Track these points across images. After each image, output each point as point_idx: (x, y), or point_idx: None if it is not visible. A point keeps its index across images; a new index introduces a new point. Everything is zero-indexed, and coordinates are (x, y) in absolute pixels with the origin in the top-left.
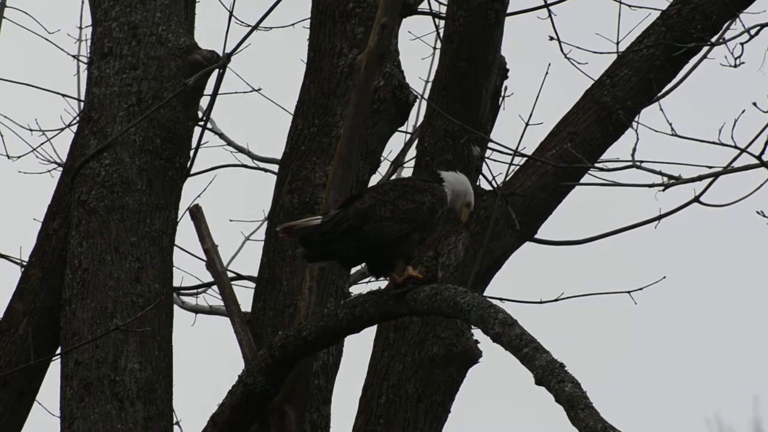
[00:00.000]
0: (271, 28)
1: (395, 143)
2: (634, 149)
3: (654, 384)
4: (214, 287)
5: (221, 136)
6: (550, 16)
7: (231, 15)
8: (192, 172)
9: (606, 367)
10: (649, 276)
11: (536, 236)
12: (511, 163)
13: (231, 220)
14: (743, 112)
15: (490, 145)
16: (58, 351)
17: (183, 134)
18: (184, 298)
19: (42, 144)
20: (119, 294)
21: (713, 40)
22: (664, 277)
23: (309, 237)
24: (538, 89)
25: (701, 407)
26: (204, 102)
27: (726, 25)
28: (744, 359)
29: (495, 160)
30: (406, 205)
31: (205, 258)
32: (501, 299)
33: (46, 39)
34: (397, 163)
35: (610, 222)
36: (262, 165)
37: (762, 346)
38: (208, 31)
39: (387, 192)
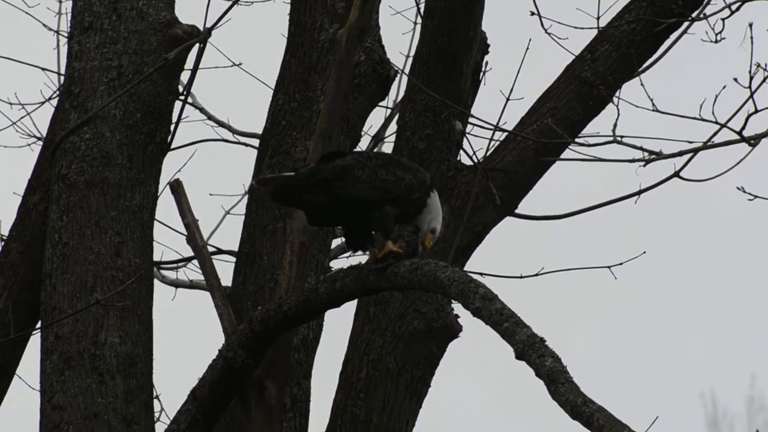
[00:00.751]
0: (252, 2)
1: (376, 118)
2: (615, 124)
3: (634, 358)
4: (195, 261)
5: (202, 110)
6: None
7: None
8: (172, 146)
9: (586, 341)
10: (629, 251)
11: (517, 211)
12: (491, 138)
13: (211, 195)
14: (724, 87)
15: (470, 120)
16: (38, 325)
17: (163, 109)
18: (165, 273)
19: (22, 118)
20: (99, 268)
21: (694, 15)
22: (644, 252)
23: (282, 186)
24: (518, 64)
25: (688, 382)
26: (185, 76)
27: (707, 0)
28: (729, 334)
29: (476, 135)
30: (385, 174)
31: (185, 232)
32: (481, 274)
33: (26, 12)
34: (378, 137)
35: (590, 197)
36: (242, 139)
37: (742, 320)
38: (189, 6)
39: (370, 158)
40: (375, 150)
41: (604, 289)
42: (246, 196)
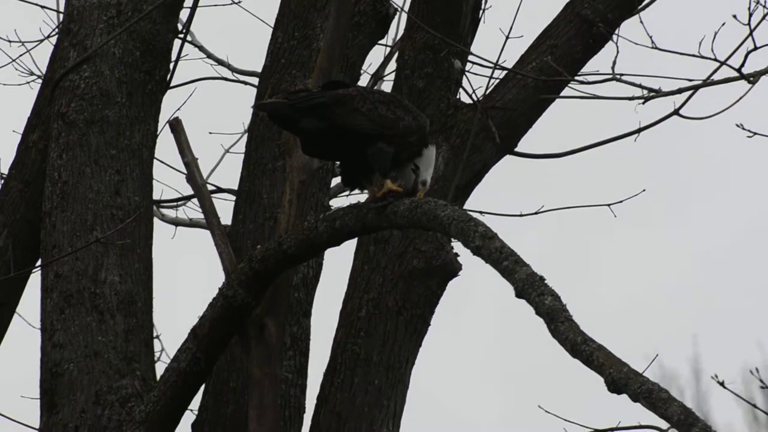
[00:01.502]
0: None
1: (375, 56)
2: (614, 62)
3: (635, 295)
4: (194, 200)
5: (201, 48)
6: None
7: None
8: (172, 84)
9: (586, 280)
10: (629, 189)
11: (516, 149)
12: (491, 77)
13: (211, 133)
14: (723, 24)
15: (470, 58)
16: (38, 263)
17: (163, 47)
18: (164, 211)
19: (21, 55)
20: (99, 206)
21: None
22: (644, 190)
23: (279, 108)
24: (518, 2)
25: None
26: (184, 14)
27: None
28: (725, 272)
29: (475, 74)
30: (384, 111)
31: (185, 171)
32: (481, 212)
33: None
34: (377, 76)
35: (590, 135)
36: (242, 78)
37: (743, 256)
38: None
39: (373, 93)
40: (375, 88)
41: (604, 227)
42: (245, 135)
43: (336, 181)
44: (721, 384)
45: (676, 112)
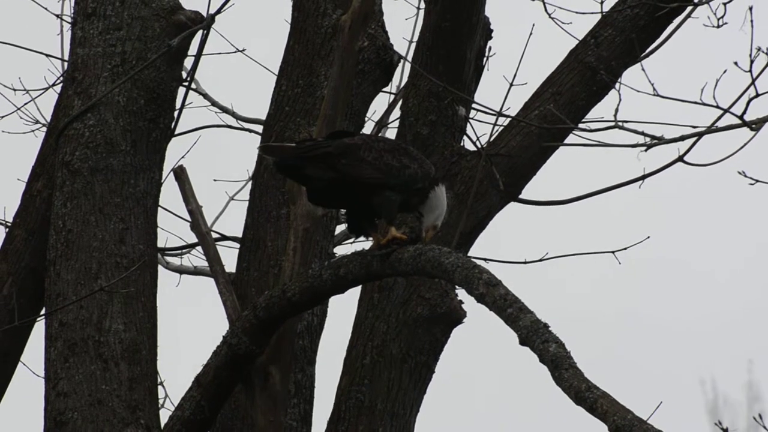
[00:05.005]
0: None
1: (379, 104)
2: (617, 109)
3: (639, 344)
4: (199, 248)
5: (206, 96)
6: None
7: None
8: (176, 132)
9: (590, 328)
10: (633, 236)
11: (520, 196)
12: (495, 124)
13: (215, 181)
14: (725, 72)
15: (474, 105)
16: (43, 312)
17: (167, 95)
18: (169, 259)
19: (26, 104)
20: (103, 255)
21: (696, 0)
22: (648, 237)
23: (285, 157)
24: (522, 50)
25: (691, 368)
26: (188, 62)
27: None
28: (730, 319)
29: (479, 121)
30: (390, 159)
31: (189, 219)
32: (485, 260)
33: None
34: (382, 123)
35: (593, 182)
36: (246, 125)
37: (747, 304)
38: None
39: (378, 141)
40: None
41: (609, 274)
42: (249, 182)
43: (340, 228)
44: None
45: (680, 159)
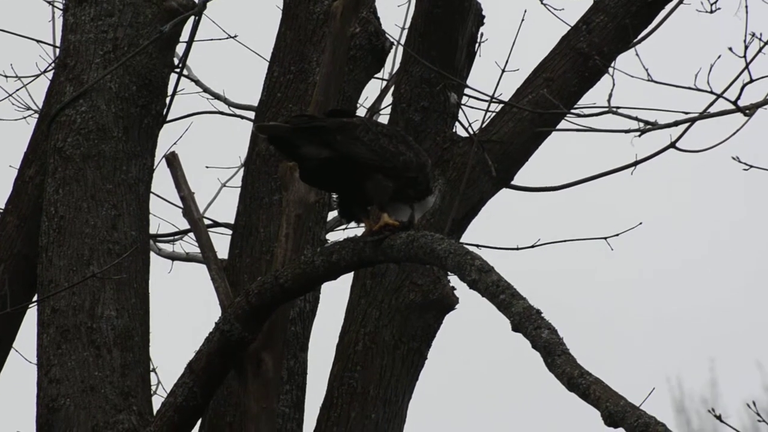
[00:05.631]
0: None
1: (371, 90)
2: (610, 95)
3: (631, 328)
4: (191, 234)
5: (197, 83)
6: None
7: None
8: (168, 119)
9: (582, 313)
10: (625, 222)
11: (513, 183)
12: (487, 110)
13: (207, 167)
14: (719, 57)
15: (466, 91)
16: (35, 298)
17: (159, 81)
18: (161, 245)
19: (18, 90)
20: (96, 241)
21: None
22: (641, 223)
23: (280, 134)
24: (514, 36)
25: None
26: (180, 49)
27: None
28: (723, 303)
29: (471, 107)
30: (386, 143)
31: (181, 205)
32: (478, 246)
33: None
34: (374, 109)
35: (586, 168)
36: (238, 112)
37: (738, 289)
38: None
39: (376, 125)
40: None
41: (601, 260)
42: (241, 169)
43: (333, 215)
44: (718, 417)
45: (672, 145)
